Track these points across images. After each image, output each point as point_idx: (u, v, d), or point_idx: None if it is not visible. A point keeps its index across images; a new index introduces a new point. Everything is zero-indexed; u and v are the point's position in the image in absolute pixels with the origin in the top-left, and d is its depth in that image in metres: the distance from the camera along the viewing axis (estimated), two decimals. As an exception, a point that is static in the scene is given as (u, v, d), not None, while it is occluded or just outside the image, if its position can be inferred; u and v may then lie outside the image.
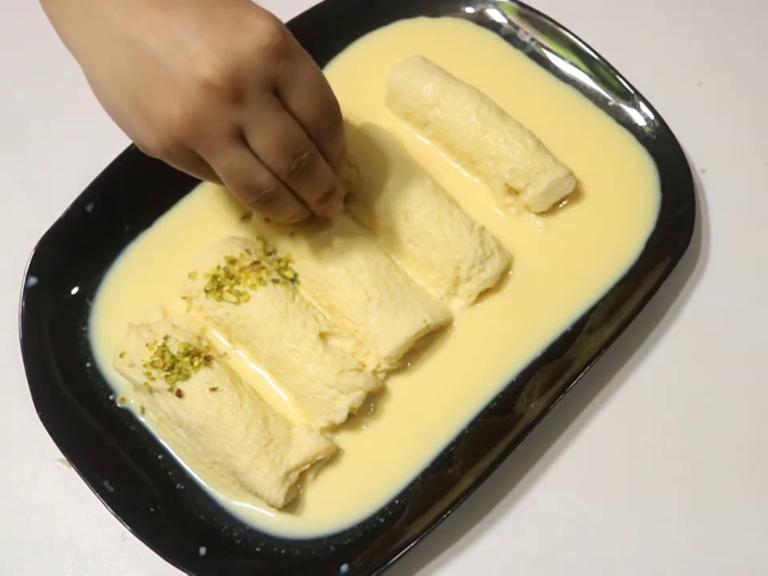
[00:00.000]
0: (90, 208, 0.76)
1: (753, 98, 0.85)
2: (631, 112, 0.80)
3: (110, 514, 0.66)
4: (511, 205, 0.77)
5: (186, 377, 0.68)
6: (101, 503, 0.66)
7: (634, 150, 0.79)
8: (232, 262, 0.72)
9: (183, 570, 0.65)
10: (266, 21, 0.55)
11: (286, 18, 0.80)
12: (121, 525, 0.66)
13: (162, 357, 0.68)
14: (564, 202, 0.78)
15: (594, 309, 0.73)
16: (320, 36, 0.83)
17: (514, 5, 0.84)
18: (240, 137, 0.57)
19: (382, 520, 0.68)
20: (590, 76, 0.81)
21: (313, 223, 0.72)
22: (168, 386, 0.68)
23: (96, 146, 0.82)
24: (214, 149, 0.57)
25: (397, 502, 0.68)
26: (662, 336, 0.75)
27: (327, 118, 0.60)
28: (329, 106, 0.60)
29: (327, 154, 0.63)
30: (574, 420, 0.72)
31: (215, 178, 0.61)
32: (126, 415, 0.72)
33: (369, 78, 0.83)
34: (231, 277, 0.71)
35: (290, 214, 0.66)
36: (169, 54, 0.54)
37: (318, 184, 0.64)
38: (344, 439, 0.71)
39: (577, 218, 0.77)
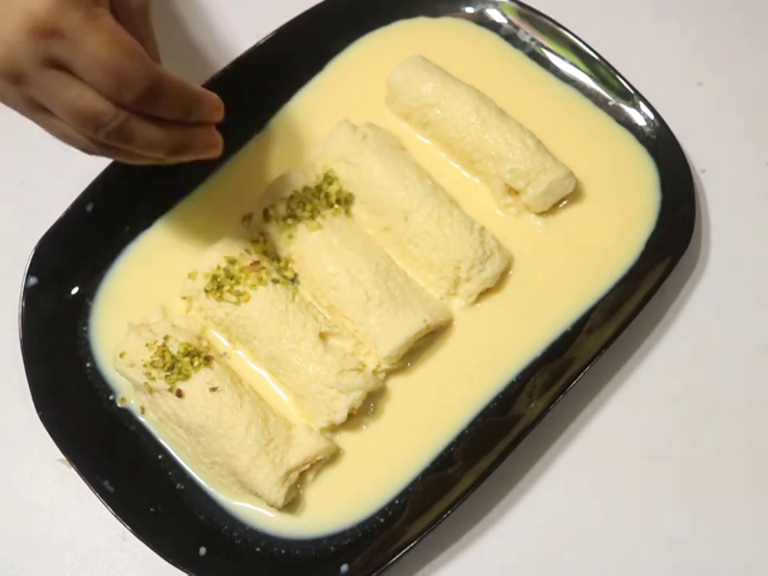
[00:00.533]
0: (89, 208, 0.76)
1: (753, 98, 0.85)
2: (631, 112, 0.80)
3: (110, 514, 0.66)
4: (511, 205, 0.77)
5: (186, 377, 0.68)
6: (101, 503, 0.66)
7: (634, 150, 0.79)
8: (232, 262, 0.72)
9: (183, 570, 0.65)
10: (32, 1, 0.52)
11: (286, 18, 0.80)
12: (121, 525, 0.66)
13: (162, 357, 0.68)
14: (564, 202, 0.78)
15: (593, 309, 0.73)
16: (320, 36, 0.83)
17: (514, 5, 0.84)
18: (41, 105, 0.57)
19: (381, 520, 0.68)
20: (590, 76, 0.81)
21: None
22: (168, 386, 0.68)
23: (96, 146, 0.82)
24: (26, 115, 0.58)
25: (397, 502, 0.68)
26: (662, 336, 0.75)
27: (128, 95, 0.55)
28: (123, 83, 0.55)
29: (162, 118, 0.59)
30: (574, 420, 0.72)
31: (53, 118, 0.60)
32: (126, 415, 0.72)
33: (369, 78, 0.83)
34: (231, 277, 0.71)
35: (146, 162, 0.63)
36: None
37: (147, 147, 0.59)
38: (344, 439, 0.71)
39: (577, 218, 0.77)
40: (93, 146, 0.60)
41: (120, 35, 0.54)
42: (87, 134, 0.58)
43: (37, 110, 0.58)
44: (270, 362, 0.71)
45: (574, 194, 0.77)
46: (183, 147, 0.62)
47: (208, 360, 0.69)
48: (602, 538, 0.69)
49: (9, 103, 0.58)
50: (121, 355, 0.70)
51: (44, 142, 0.85)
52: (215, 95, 0.62)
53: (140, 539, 0.66)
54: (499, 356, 0.72)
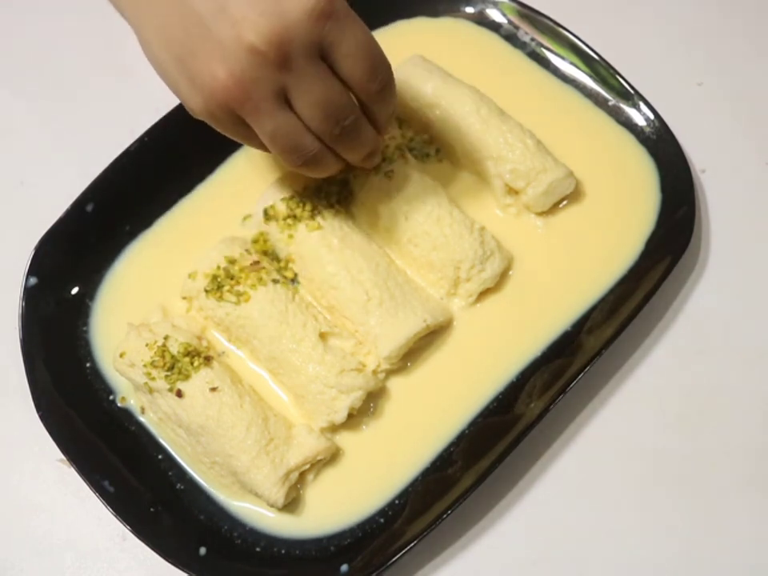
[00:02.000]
0: (90, 208, 0.76)
1: (753, 98, 0.85)
2: (631, 112, 0.80)
3: (110, 514, 0.66)
4: (511, 205, 0.77)
5: (186, 377, 0.68)
6: (101, 503, 0.66)
7: (634, 150, 0.79)
8: (232, 262, 0.72)
9: (183, 570, 0.65)
10: None
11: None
12: (121, 525, 0.66)
13: (162, 357, 0.68)
14: (564, 202, 0.78)
15: (594, 309, 0.73)
16: (320, 36, 0.83)
17: (514, 5, 0.84)
18: (284, 100, 0.57)
19: (381, 520, 0.68)
20: (590, 76, 0.81)
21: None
22: (168, 386, 0.68)
23: (96, 146, 0.82)
24: (258, 112, 0.57)
25: (397, 501, 0.68)
26: (662, 336, 0.75)
27: (374, 83, 0.59)
28: (377, 70, 0.59)
29: (374, 117, 0.63)
30: (574, 420, 0.72)
31: (258, 143, 0.61)
32: (126, 415, 0.72)
33: (369, 78, 0.83)
34: (231, 277, 0.71)
35: (329, 173, 0.66)
36: (215, 17, 0.54)
37: (360, 147, 0.64)
38: (344, 439, 0.71)
39: (577, 218, 0.77)
40: (317, 147, 0.61)
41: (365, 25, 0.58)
42: (323, 130, 0.59)
43: (278, 103, 0.57)
44: (270, 362, 0.71)
45: (574, 194, 0.77)
46: (375, 152, 0.66)
47: (208, 360, 0.69)
48: (602, 538, 0.69)
49: (249, 95, 0.56)
50: (121, 355, 0.70)
51: (44, 142, 0.86)
52: None
53: (140, 539, 0.65)
54: (499, 356, 0.72)
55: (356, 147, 0.63)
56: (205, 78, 0.56)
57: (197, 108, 0.59)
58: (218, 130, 0.62)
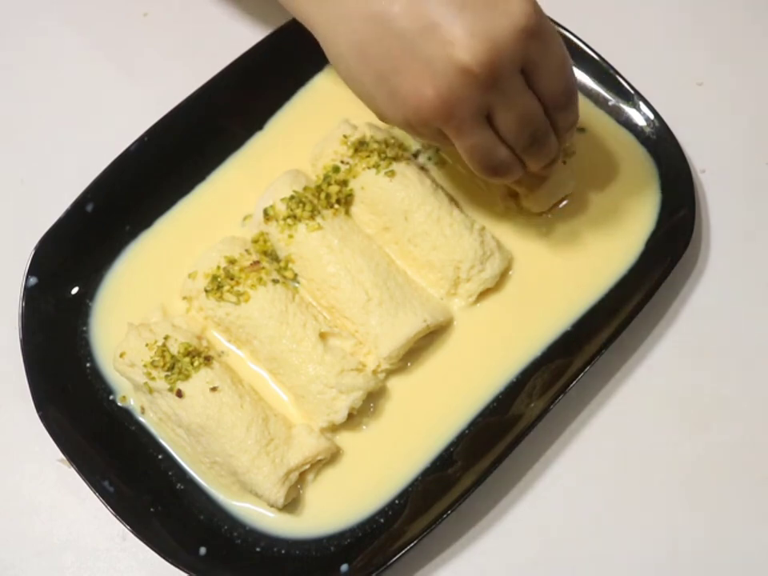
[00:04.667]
0: (89, 208, 0.76)
1: (753, 98, 0.85)
2: (631, 112, 0.80)
3: (109, 513, 0.66)
4: (511, 205, 0.77)
5: (186, 377, 0.68)
6: (101, 503, 0.66)
7: (634, 150, 0.79)
8: (232, 262, 0.72)
9: (183, 570, 0.65)
10: (522, 3, 0.55)
11: (287, 16, 0.80)
12: (121, 525, 0.66)
13: (162, 357, 0.68)
14: (564, 202, 0.78)
15: (594, 309, 0.73)
16: (320, 36, 0.83)
17: (514, 5, 0.84)
18: (486, 117, 0.58)
19: (381, 520, 0.68)
20: (590, 76, 0.81)
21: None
22: (168, 386, 0.68)
23: (96, 146, 0.82)
24: (462, 129, 0.58)
25: (397, 501, 0.68)
26: (662, 336, 0.75)
27: (565, 97, 0.61)
28: (569, 86, 0.61)
29: (558, 127, 0.64)
30: (574, 420, 0.72)
31: (450, 146, 0.62)
32: (126, 415, 0.72)
33: (369, 78, 0.83)
34: (231, 277, 0.71)
35: (514, 179, 0.67)
36: (423, 36, 0.55)
37: (546, 156, 0.65)
38: (344, 439, 0.71)
39: (577, 218, 0.77)
40: (510, 159, 0.62)
41: None
42: (517, 142, 0.61)
43: (481, 121, 0.58)
44: (270, 362, 0.71)
45: (574, 194, 0.77)
46: (556, 159, 0.67)
47: (208, 360, 0.69)
48: (602, 538, 0.69)
49: (454, 114, 0.57)
50: (121, 355, 0.70)
51: (44, 142, 0.86)
52: None
53: (140, 539, 0.65)
54: (499, 356, 0.72)
55: (542, 156, 0.64)
56: (409, 95, 0.57)
57: (395, 120, 0.60)
58: (411, 135, 0.64)
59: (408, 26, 0.55)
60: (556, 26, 0.81)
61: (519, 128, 0.60)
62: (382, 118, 0.63)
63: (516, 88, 0.58)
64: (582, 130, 0.80)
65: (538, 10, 0.56)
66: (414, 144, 0.80)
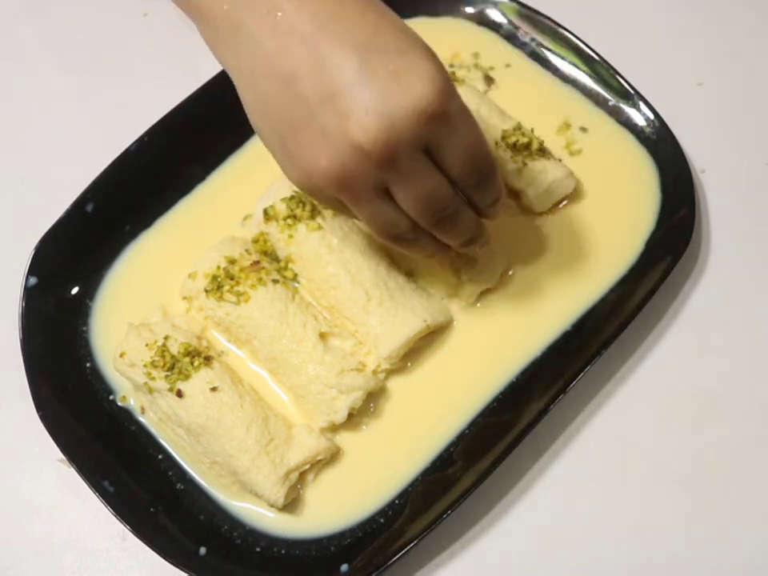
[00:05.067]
0: (89, 208, 0.76)
1: (753, 98, 0.85)
2: (631, 112, 0.80)
3: (109, 513, 0.66)
4: (511, 205, 0.77)
5: (186, 377, 0.68)
6: (101, 503, 0.66)
7: (634, 150, 0.79)
8: (232, 262, 0.72)
9: (183, 570, 0.65)
10: (426, 81, 0.51)
11: (286, 17, 0.80)
12: (121, 525, 0.66)
13: (162, 357, 0.68)
14: (564, 202, 0.78)
15: (594, 309, 0.73)
16: (320, 36, 0.83)
17: (514, 5, 0.84)
18: (384, 191, 0.56)
19: (381, 520, 0.68)
20: (590, 76, 0.81)
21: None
22: (168, 386, 0.68)
23: (96, 146, 0.82)
24: (358, 200, 0.56)
25: (397, 501, 0.68)
26: (662, 336, 0.75)
27: (477, 178, 0.57)
28: (481, 166, 0.57)
29: (476, 206, 0.61)
30: (574, 420, 0.72)
31: (352, 216, 0.60)
32: (126, 415, 0.72)
33: (369, 78, 0.83)
34: (231, 277, 0.71)
35: (428, 253, 0.64)
36: (322, 105, 0.52)
37: (459, 234, 0.62)
38: (344, 439, 0.71)
39: (577, 218, 0.77)
40: (413, 233, 0.59)
41: (475, 119, 0.55)
42: (420, 219, 0.58)
43: (378, 194, 0.55)
44: (270, 362, 0.71)
45: (574, 194, 0.77)
46: (476, 238, 0.63)
47: (208, 360, 0.69)
48: (602, 538, 0.69)
49: (348, 185, 0.55)
50: (121, 355, 0.70)
51: (44, 142, 0.86)
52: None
53: (140, 539, 0.65)
54: (499, 356, 0.72)
55: (454, 234, 0.62)
56: (304, 162, 0.54)
57: (293, 181, 0.58)
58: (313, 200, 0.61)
59: (309, 92, 0.52)
60: (556, 26, 0.82)
61: (420, 207, 0.56)
62: (286, 175, 0.59)
63: (415, 168, 0.54)
64: (584, 130, 0.80)
65: (444, 90, 0.51)
66: None
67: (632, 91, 0.79)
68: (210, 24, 0.57)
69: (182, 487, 0.69)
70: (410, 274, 0.74)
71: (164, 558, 0.65)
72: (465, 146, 0.54)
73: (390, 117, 0.50)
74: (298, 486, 0.69)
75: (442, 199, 0.57)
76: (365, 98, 0.50)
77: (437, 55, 0.54)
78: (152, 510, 0.68)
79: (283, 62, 0.53)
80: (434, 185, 0.55)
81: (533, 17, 0.83)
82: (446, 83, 0.52)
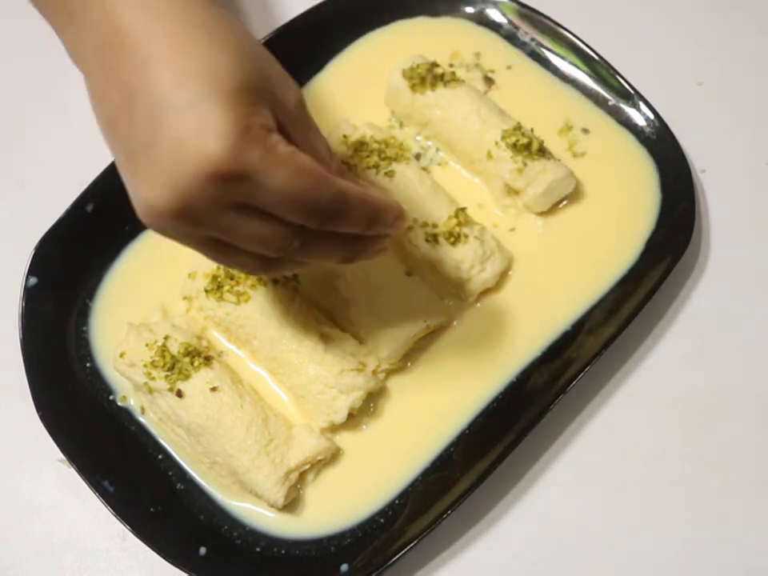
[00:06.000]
0: (89, 208, 0.76)
1: (753, 98, 0.85)
2: (631, 112, 0.80)
3: (109, 513, 0.66)
4: (511, 205, 0.77)
5: (186, 377, 0.68)
6: (101, 503, 0.66)
7: (634, 150, 0.79)
8: (232, 262, 0.72)
9: (183, 570, 0.65)
10: (213, 141, 0.45)
11: (286, 18, 0.80)
12: (121, 525, 0.66)
13: (162, 357, 0.68)
14: (564, 202, 0.78)
15: (594, 309, 0.73)
16: (320, 36, 0.83)
17: (514, 5, 0.84)
18: (217, 241, 0.51)
19: (381, 520, 0.68)
20: (590, 76, 0.81)
21: None
22: (168, 386, 0.68)
23: (96, 146, 0.82)
24: (190, 245, 0.52)
25: (397, 502, 0.68)
26: (662, 336, 0.75)
27: (317, 217, 0.51)
28: (314, 207, 0.50)
29: (343, 235, 0.55)
30: (574, 420, 0.72)
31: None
32: (126, 415, 0.72)
33: (369, 78, 0.83)
34: (231, 277, 0.71)
35: (293, 272, 0.61)
36: (124, 164, 0.50)
37: (324, 257, 0.57)
38: (344, 439, 0.71)
39: (577, 218, 0.77)
40: (264, 266, 0.55)
41: (300, 160, 0.49)
42: (266, 254, 0.53)
43: (211, 245, 0.52)
44: (270, 362, 0.71)
45: (574, 194, 0.77)
46: (355, 256, 0.58)
47: (208, 360, 0.69)
48: (602, 538, 0.69)
49: (180, 240, 0.51)
50: (121, 355, 0.70)
51: (44, 142, 0.86)
52: (396, 204, 0.57)
53: (140, 539, 0.65)
54: (499, 356, 0.72)
55: (317, 259, 0.56)
56: (132, 195, 0.50)
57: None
58: None
59: (118, 144, 0.50)
60: (556, 26, 0.82)
61: (258, 249, 0.52)
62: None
63: (231, 222, 0.49)
64: (585, 132, 0.80)
65: (235, 146, 0.46)
66: (414, 145, 0.80)
67: (632, 91, 0.79)
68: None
69: (182, 487, 0.69)
70: (410, 273, 0.74)
71: (164, 557, 0.65)
72: (282, 192, 0.48)
73: (175, 186, 0.46)
74: (298, 486, 0.69)
75: (277, 239, 0.51)
76: (152, 161, 0.47)
77: (245, 91, 0.47)
78: (152, 510, 0.68)
79: (107, 111, 0.51)
80: (260, 230, 0.50)
81: (533, 17, 0.83)
82: (239, 136, 0.46)
